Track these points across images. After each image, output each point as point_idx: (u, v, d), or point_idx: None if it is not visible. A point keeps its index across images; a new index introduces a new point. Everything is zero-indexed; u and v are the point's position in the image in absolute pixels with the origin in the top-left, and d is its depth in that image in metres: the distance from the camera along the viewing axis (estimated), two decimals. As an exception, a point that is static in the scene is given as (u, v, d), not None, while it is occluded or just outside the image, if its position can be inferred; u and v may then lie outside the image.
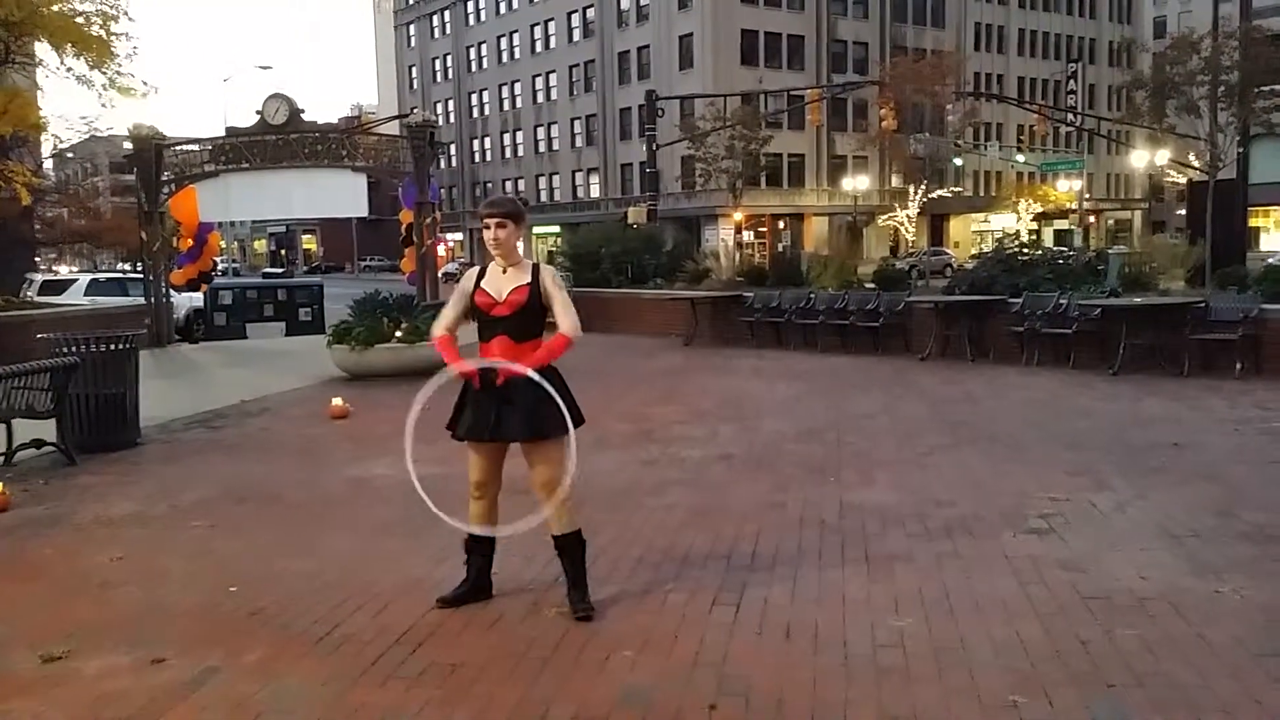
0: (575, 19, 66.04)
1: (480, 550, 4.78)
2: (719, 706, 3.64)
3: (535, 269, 4.56)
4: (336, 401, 10.35)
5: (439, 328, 4.70)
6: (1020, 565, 5.10)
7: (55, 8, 16.17)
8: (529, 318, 4.52)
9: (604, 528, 5.97)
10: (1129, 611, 4.44)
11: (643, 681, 3.86)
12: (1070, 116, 54.62)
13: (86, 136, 24.23)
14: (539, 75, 69.48)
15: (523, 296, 4.47)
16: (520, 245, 4.61)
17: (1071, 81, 61.49)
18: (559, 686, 3.84)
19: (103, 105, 35.77)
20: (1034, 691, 3.68)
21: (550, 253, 58.67)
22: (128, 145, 19.89)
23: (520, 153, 71.64)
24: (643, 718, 3.58)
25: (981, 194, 67.45)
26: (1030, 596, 4.66)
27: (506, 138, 72.87)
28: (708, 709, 3.62)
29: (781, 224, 59.93)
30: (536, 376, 4.33)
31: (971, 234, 67.91)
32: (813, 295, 16.58)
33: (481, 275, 4.62)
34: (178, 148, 19.14)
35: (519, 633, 4.37)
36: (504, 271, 4.55)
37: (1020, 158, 58.25)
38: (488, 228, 4.50)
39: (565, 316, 4.49)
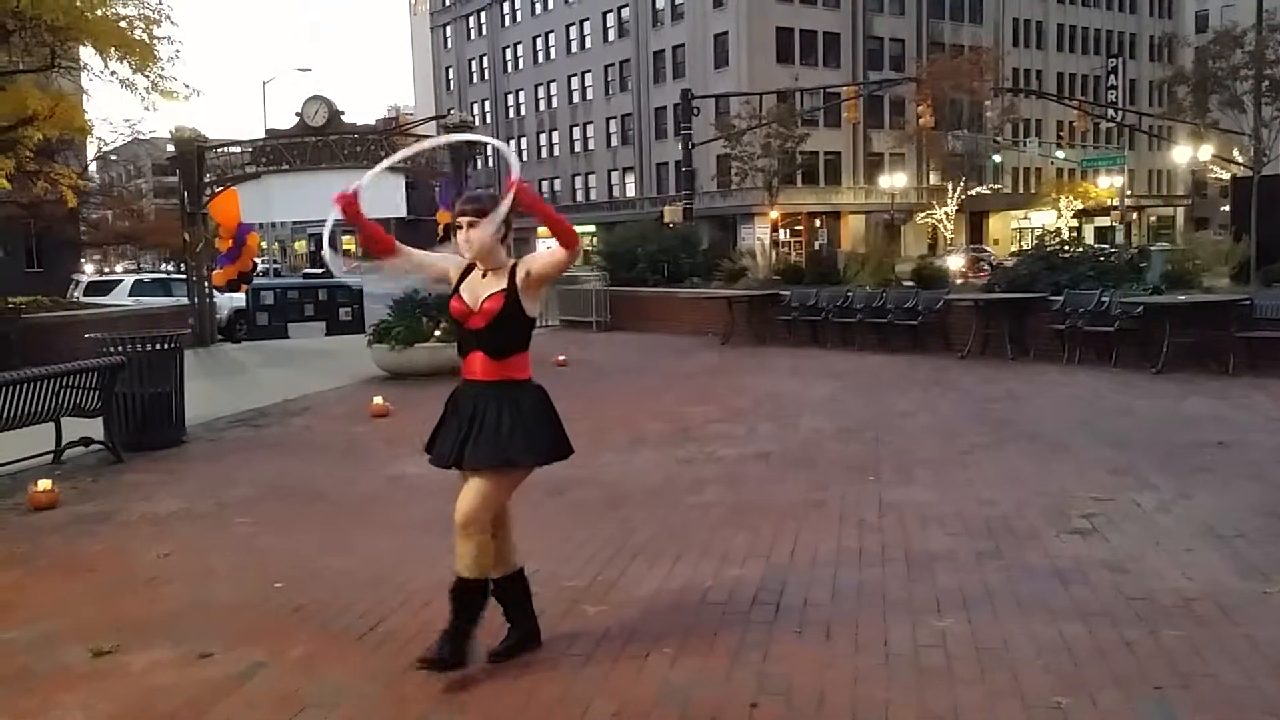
0: (610, 19, 66.07)
1: (506, 596, 4.15)
2: (759, 705, 3.63)
3: (513, 268, 3.93)
4: (377, 400, 10.44)
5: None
6: (1063, 565, 5.05)
7: (99, 12, 16.38)
8: (507, 330, 3.90)
9: (642, 526, 6.00)
10: (1174, 612, 4.39)
11: (683, 679, 3.87)
12: (1110, 112, 53.98)
13: (130, 139, 24.59)
14: (574, 75, 69.60)
15: (497, 305, 3.86)
16: (504, 250, 3.99)
17: (1112, 77, 60.85)
18: (600, 684, 3.85)
19: (146, 108, 36.31)
20: (1078, 693, 3.65)
21: (586, 252, 58.81)
22: (170, 147, 20.20)
23: (556, 152, 71.82)
24: (683, 715, 3.59)
25: (1021, 191, 66.75)
26: (1073, 597, 4.62)
27: (543, 138, 73.03)
28: (748, 707, 3.62)
29: (818, 222, 59.62)
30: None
31: (1011, 231, 67.24)
32: (850, 294, 16.50)
33: (466, 274, 4.01)
34: (219, 149, 19.40)
35: (560, 630, 4.38)
36: (484, 276, 3.94)
37: (1060, 154, 57.57)
38: (460, 227, 3.88)
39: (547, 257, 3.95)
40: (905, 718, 3.52)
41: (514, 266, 3.94)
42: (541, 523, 6.08)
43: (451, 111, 26.34)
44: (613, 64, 66.41)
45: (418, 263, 4.14)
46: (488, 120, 74.36)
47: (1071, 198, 61.72)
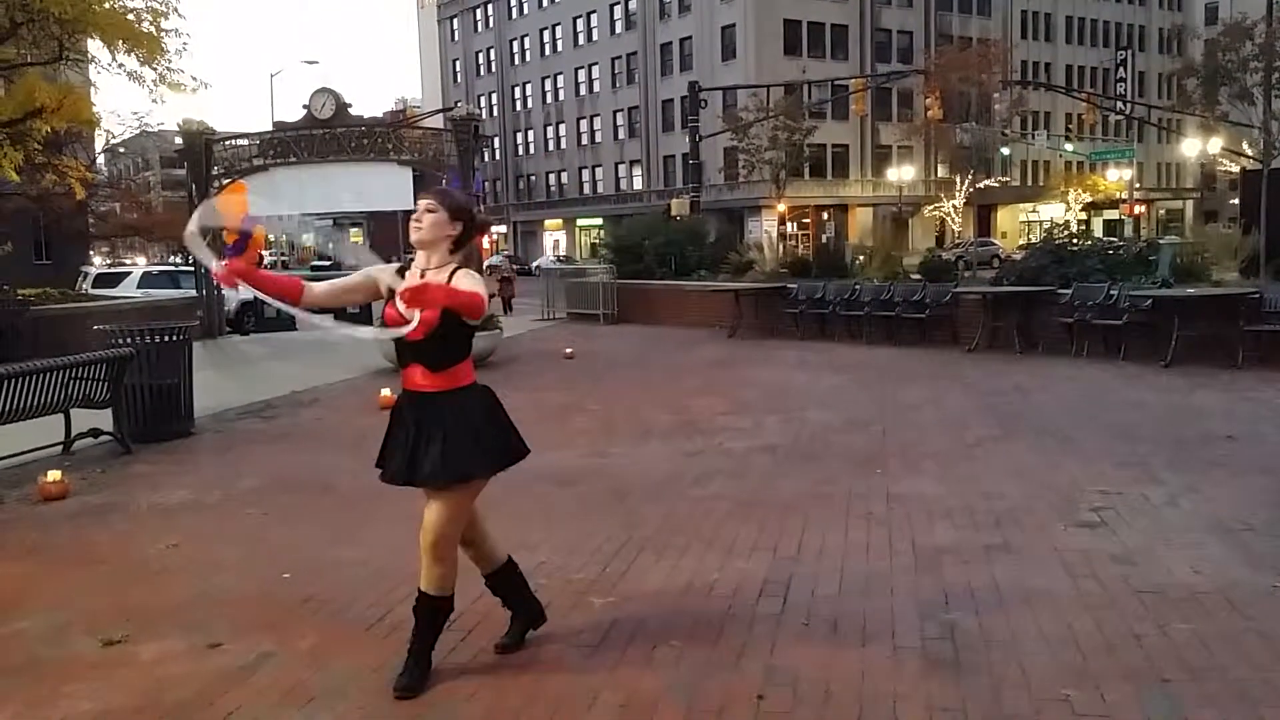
0: (617, 11, 66.05)
1: (505, 587, 4.18)
2: (767, 697, 3.64)
3: (453, 274, 3.65)
4: (385, 392, 10.43)
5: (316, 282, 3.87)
6: (1071, 558, 5.05)
7: (106, 4, 16.41)
8: (446, 340, 3.63)
9: (649, 518, 6.00)
10: (1183, 605, 4.38)
11: (690, 671, 3.87)
12: (1120, 105, 53.78)
13: (138, 132, 24.62)
14: (581, 68, 69.58)
15: (435, 316, 3.54)
16: (456, 254, 3.74)
17: (1121, 69, 60.57)
18: (607, 675, 3.86)
19: (153, 101, 36.45)
20: (1086, 685, 3.65)
21: (593, 245, 58.81)
22: (178, 140, 20.25)
23: (563, 145, 71.80)
24: (690, 707, 3.59)
25: (1030, 184, 66.61)
26: (1081, 590, 4.62)
27: (549, 130, 73.02)
28: (755, 699, 3.62)
29: (825, 215, 59.59)
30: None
31: (1019, 224, 67.12)
32: (858, 286, 16.49)
33: (402, 279, 3.72)
34: (227, 142, 19.43)
35: (567, 622, 4.39)
36: (421, 277, 3.65)
37: (1069, 147, 57.51)
38: (415, 210, 3.74)
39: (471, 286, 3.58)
40: (913, 710, 3.52)
41: (455, 271, 3.67)
42: (549, 514, 6.10)
43: (458, 104, 26.31)
44: (620, 56, 66.35)
45: (340, 290, 3.88)
46: (494, 113, 74.37)
47: (1080, 191, 61.57)
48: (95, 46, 17.79)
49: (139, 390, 8.78)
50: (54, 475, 6.96)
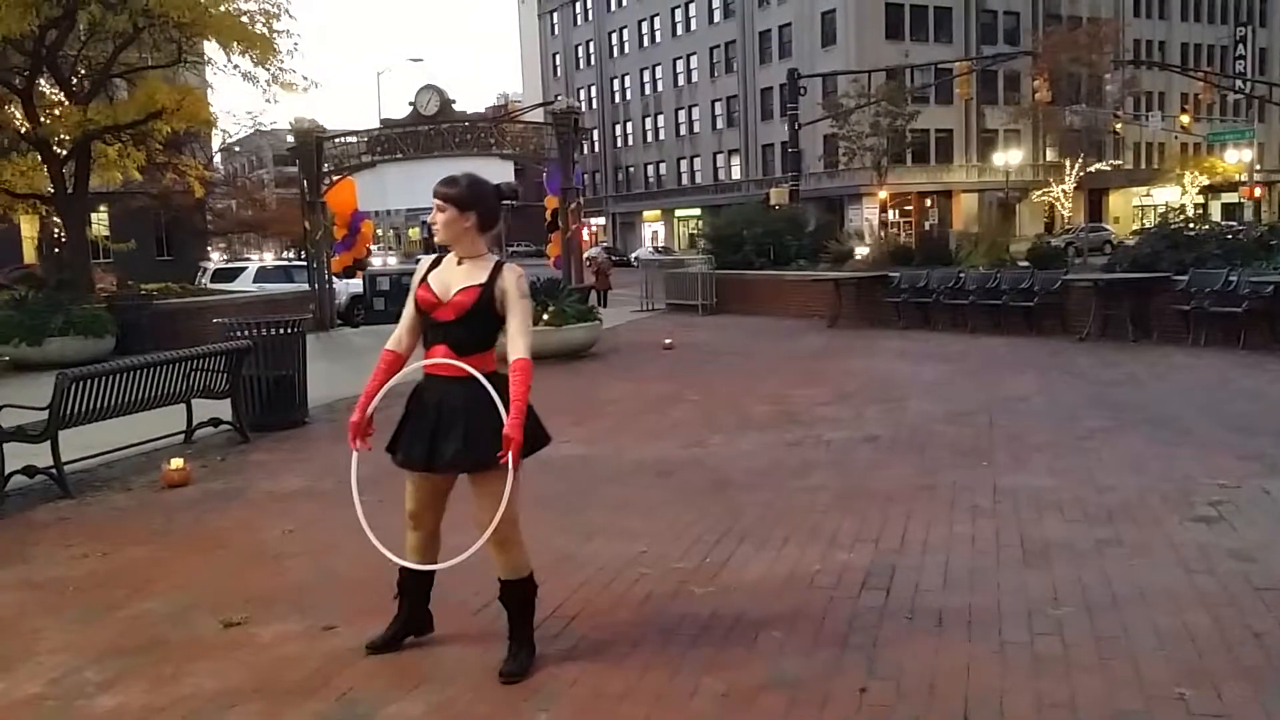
0: (716, 0, 65.75)
1: (416, 587, 4.22)
2: (869, 690, 3.61)
3: (497, 267, 3.74)
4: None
5: (391, 340, 4.04)
6: (1187, 554, 4.89)
7: (222, 8, 17.03)
8: (477, 325, 3.72)
9: (749, 508, 6.00)
10: (1307, 604, 4.22)
11: (791, 662, 3.87)
12: (1239, 83, 51.54)
13: (252, 131, 25.47)
14: (679, 58, 69.48)
15: (470, 299, 3.68)
16: (482, 240, 3.80)
17: (1240, 46, 58.03)
18: (708, 664, 3.87)
19: (266, 100, 37.45)
20: (1202, 684, 3.54)
21: (692, 235, 58.75)
22: (290, 138, 20.88)
23: (661, 136, 71.83)
24: (792, 698, 3.58)
25: (1143, 167, 64.28)
26: (1198, 586, 4.47)
27: (648, 121, 73.13)
28: (858, 692, 3.60)
29: (928, 202, 58.48)
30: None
31: (1133, 209, 64.85)
32: (962, 275, 16.17)
33: (435, 266, 3.84)
34: (337, 139, 19.96)
35: (669, 611, 4.42)
36: (459, 263, 3.77)
37: (1186, 121, 55.26)
38: (433, 208, 3.76)
39: (520, 335, 3.69)
40: (1020, 706, 3.46)
41: (500, 265, 3.74)
42: (649, 504, 6.15)
43: (558, 97, 26.59)
44: (718, 45, 66.08)
45: (412, 324, 3.98)
46: (593, 106, 74.73)
47: (1197, 173, 59.20)
48: (212, 49, 18.48)
49: (256, 381, 9.10)
50: (177, 463, 7.27)
